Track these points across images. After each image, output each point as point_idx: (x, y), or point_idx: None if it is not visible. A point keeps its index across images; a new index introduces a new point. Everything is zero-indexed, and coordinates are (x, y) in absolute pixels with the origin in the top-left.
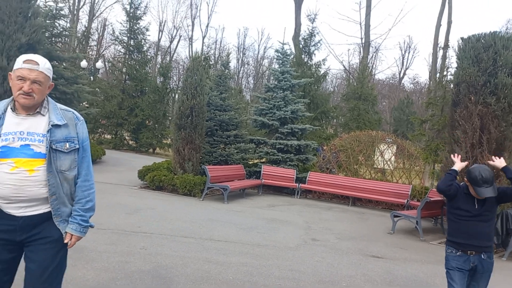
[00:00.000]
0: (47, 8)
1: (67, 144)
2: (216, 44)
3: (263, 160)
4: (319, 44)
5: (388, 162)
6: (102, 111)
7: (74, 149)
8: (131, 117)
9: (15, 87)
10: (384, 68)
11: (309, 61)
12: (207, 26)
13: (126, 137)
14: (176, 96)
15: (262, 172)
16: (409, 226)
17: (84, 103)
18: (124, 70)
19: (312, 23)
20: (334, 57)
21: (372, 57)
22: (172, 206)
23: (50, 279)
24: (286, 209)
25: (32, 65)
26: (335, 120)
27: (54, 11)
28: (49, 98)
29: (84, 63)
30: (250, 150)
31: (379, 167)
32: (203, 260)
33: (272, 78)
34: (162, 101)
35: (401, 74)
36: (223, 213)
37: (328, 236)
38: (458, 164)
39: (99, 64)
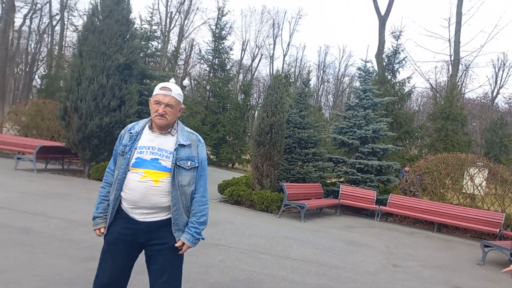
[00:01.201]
0: (142, 31)
1: (189, 162)
2: (296, 62)
3: (342, 179)
4: (403, 62)
5: (479, 187)
6: (187, 126)
7: (194, 167)
8: (213, 132)
9: (152, 110)
10: (475, 87)
11: (392, 79)
12: (288, 45)
13: (208, 151)
14: (256, 113)
15: (340, 191)
16: (501, 258)
17: None
18: (208, 87)
19: (397, 40)
20: (420, 75)
21: (462, 75)
22: (249, 221)
23: (170, 280)
24: (365, 232)
25: (166, 91)
26: (419, 141)
27: (149, 33)
28: (179, 121)
29: (172, 81)
30: (328, 169)
31: (468, 192)
32: (279, 278)
33: (353, 96)
34: (243, 117)
35: (494, 93)
36: (300, 231)
37: (410, 263)
38: None
39: (185, 82)
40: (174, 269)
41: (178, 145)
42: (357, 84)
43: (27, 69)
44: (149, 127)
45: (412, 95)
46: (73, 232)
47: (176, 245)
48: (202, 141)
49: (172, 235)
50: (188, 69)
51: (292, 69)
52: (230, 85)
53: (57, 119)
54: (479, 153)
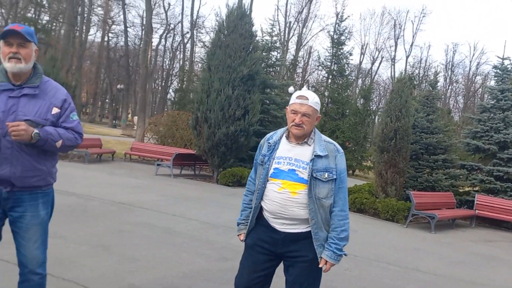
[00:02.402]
0: (264, 42)
1: (326, 174)
2: (420, 63)
3: (477, 188)
4: None
5: None
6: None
7: (331, 179)
8: (331, 139)
9: (289, 119)
10: None
11: None
12: (411, 45)
13: None
14: (377, 118)
15: (475, 201)
16: None
17: None
18: (326, 93)
19: None
20: None
21: None
22: (374, 230)
23: None
24: (507, 246)
25: (303, 100)
26: None
27: (269, 44)
28: (316, 130)
29: (291, 89)
30: (461, 177)
31: None
32: None
33: (488, 97)
34: (363, 123)
35: None
36: (430, 243)
37: None
38: None
39: (304, 89)
40: (311, 283)
41: (315, 155)
42: (493, 83)
43: (163, 83)
44: (286, 136)
45: None
46: (208, 233)
47: (320, 265)
48: (341, 151)
49: (311, 248)
50: (306, 76)
51: (416, 71)
52: (349, 90)
53: (189, 129)
54: None
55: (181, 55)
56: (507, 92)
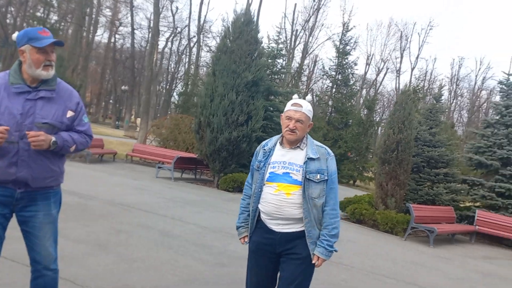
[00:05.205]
0: (269, 49)
1: (318, 175)
2: (426, 76)
3: (478, 204)
4: None
5: None
6: None
7: (323, 180)
8: (334, 148)
9: (284, 125)
10: None
11: None
12: (417, 58)
13: None
14: (380, 129)
15: (476, 217)
16: None
17: None
18: (330, 103)
19: None
20: None
21: None
22: (372, 242)
23: None
24: (507, 264)
25: (297, 107)
26: None
27: (275, 52)
28: (308, 136)
29: (295, 96)
30: (462, 192)
31: None
32: None
33: (492, 112)
34: (366, 133)
35: None
36: (428, 257)
37: None
38: None
39: (308, 97)
40: (303, 279)
41: (308, 158)
42: (498, 99)
43: (167, 86)
44: (280, 143)
45: None
46: (205, 237)
47: (313, 262)
48: (332, 154)
49: (305, 246)
50: (311, 85)
51: (421, 83)
52: (353, 100)
53: (192, 132)
54: None
55: (187, 59)
56: None
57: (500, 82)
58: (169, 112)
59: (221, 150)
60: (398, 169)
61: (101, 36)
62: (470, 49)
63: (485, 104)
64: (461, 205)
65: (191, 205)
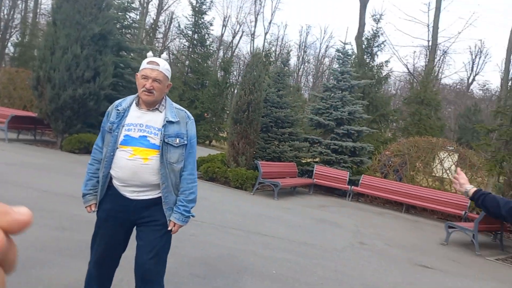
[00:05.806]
0: (119, 1)
1: (177, 139)
2: (278, 41)
3: (317, 159)
4: (382, 45)
5: (448, 171)
6: None
7: (182, 145)
8: (190, 109)
9: (139, 85)
10: (452, 73)
11: (371, 62)
12: (270, 23)
13: None
14: (235, 91)
15: (314, 171)
16: (465, 239)
17: None
18: (187, 63)
19: (377, 23)
20: (398, 59)
21: (439, 60)
22: (223, 198)
23: (156, 257)
24: (336, 211)
25: (153, 65)
26: (394, 124)
27: (126, 4)
28: (167, 97)
29: (150, 54)
30: (304, 149)
31: (437, 175)
32: (249, 253)
33: (331, 77)
34: (222, 95)
35: (470, 80)
36: (273, 209)
37: (376, 242)
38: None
39: (164, 56)
40: (162, 246)
41: (166, 121)
42: (336, 65)
43: (0, 35)
44: (136, 103)
45: (389, 79)
46: (47, 202)
47: (169, 228)
48: (192, 118)
49: (163, 213)
50: (167, 43)
51: (273, 48)
52: (209, 62)
53: (29, 89)
54: (452, 138)
55: (24, 5)
56: (346, 74)
57: (338, 50)
58: (3, 65)
59: (65, 108)
60: (249, 128)
61: None
62: (316, 18)
63: (327, 70)
64: (303, 161)
65: (30, 169)
